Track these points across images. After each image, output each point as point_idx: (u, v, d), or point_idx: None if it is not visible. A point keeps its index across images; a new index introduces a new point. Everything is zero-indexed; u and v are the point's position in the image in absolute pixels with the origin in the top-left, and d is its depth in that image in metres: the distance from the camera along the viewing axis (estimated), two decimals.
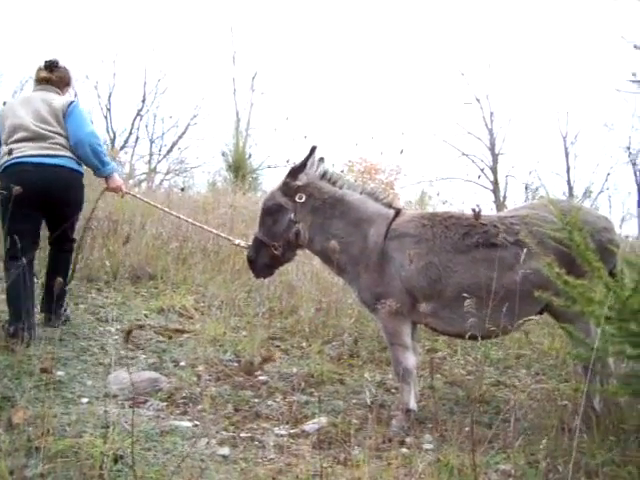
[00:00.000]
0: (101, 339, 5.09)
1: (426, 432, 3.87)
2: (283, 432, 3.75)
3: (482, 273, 4.00)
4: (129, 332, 5.04)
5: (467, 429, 3.72)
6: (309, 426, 3.82)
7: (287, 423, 3.87)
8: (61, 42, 37.56)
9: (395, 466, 3.19)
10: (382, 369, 4.97)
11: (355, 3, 45.23)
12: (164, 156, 28.93)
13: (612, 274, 3.51)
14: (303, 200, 4.44)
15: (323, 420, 3.87)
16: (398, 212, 4.42)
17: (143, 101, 29.14)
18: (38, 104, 4.89)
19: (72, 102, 4.97)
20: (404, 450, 3.53)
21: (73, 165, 4.89)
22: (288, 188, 4.48)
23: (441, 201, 12.38)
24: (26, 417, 3.35)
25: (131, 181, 14.41)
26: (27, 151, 4.73)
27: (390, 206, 4.50)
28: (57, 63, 5.14)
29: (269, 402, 4.21)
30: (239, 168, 17.65)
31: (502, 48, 45.28)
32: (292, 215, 4.44)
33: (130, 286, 6.53)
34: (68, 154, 4.86)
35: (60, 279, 3.79)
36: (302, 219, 4.44)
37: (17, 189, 4.02)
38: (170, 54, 42.42)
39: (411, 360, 4.12)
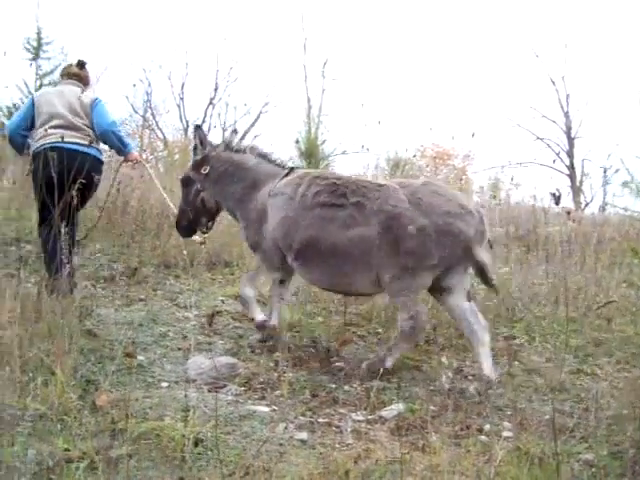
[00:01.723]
0: (179, 325, 5.20)
1: (504, 419, 3.82)
2: (360, 418, 3.75)
3: (322, 230, 4.63)
4: (212, 316, 5.14)
5: (547, 417, 3.67)
6: (386, 412, 3.81)
7: (364, 409, 3.87)
8: (135, 32, 38.24)
9: (474, 453, 3.17)
10: (459, 356, 4.92)
11: None
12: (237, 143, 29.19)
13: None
14: (207, 171, 5.31)
15: (400, 406, 3.86)
16: (289, 173, 5.07)
17: (215, 90, 29.45)
18: (71, 98, 5.62)
19: (96, 99, 5.75)
20: (482, 437, 3.50)
21: (98, 155, 5.69)
22: (195, 163, 5.42)
23: (514, 186, 12.15)
24: (109, 400, 3.45)
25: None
26: (63, 139, 5.38)
27: (283, 167, 5.24)
28: (86, 64, 6.01)
29: (346, 388, 4.22)
30: (311, 155, 17.68)
31: (579, 27, 44.08)
32: (198, 185, 5.35)
33: (206, 273, 6.64)
34: (95, 145, 5.64)
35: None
36: (206, 187, 5.33)
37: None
38: (241, 43, 42.69)
39: (251, 293, 4.98)
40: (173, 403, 3.61)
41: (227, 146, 5.39)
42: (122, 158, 6.15)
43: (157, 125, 27.28)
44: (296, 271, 4.88)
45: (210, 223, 5.56)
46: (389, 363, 4.42)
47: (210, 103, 29.54)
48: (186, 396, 3.43)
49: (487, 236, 4.57)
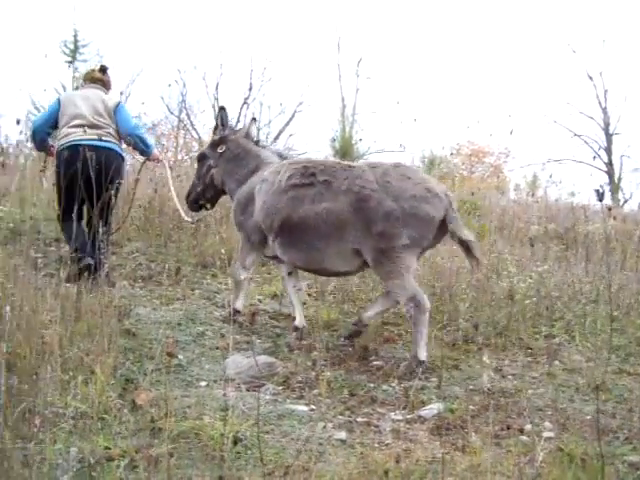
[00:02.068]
0: (217, 324, 5.22)
1: (545, 420, 3.76)
2: (399, 417, 3.73)
3: (293, 209, 4.91)
4: (253, 315, 5.13)
5: (589, 418, 3.61)
6: (425, 412, 3.78)
7: (403, 408, 3.84)
8: (169, 33, 38.54)
9: (515, 454, 3.12)
10: (498, 355, 4.87)
11: None
12: (271, 143, 29.21)
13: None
14: (222, 150, 5.71)
15: (440, 406, 3.82)
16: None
17: (250, 89, 29.44)
18: (95, 102, 5.93)
19: (119, 102, 6.11)
20: (523, 438, 3.44)
21: (119, 150, 5.97)
22: (213, 141, 5.88)
23: (553, 183, 12.02)
24: (149, 399, 3.46)
25: None
26: (84, 135, 5.68)
27: (281, 156, 5.70)
28: (107, 69, 6.32)
29: (384, 387, 4.20)
30: (346, 153, 17.68)
31: (617, 22, 43.43)
32: (211, 162, 5.78)
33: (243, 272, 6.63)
34: (115, 141, 5.92)
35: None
36: (218, 165, 5.73)
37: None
38: (275, 42, 42.76)
39: (244, 275, 5.33)
40: (212, 402, 3.62)
41: (247, 134, 5.83)
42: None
43: (192, 125, 27.37)
44: (277, 252, 5.14)
45: (213, 200, 5.99)
46: (423, 355, 4.46)
47: (244, 103, 29.54)
48: (225, 395, 3.43)
49: (459, 217, 4.76)
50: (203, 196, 5.87)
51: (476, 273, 5.16)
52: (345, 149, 18.30)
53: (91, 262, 5.21)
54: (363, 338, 4.92)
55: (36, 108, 15.46)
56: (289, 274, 5.37)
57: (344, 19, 37.59)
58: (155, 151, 6.57)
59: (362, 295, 5.86)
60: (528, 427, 3.58)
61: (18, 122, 7.23)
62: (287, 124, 29.38)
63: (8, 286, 3.91)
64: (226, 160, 5.69)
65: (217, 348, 4.68)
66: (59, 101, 5.96)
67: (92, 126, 5.75)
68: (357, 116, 24.07)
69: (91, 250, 5.33)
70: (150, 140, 6.43)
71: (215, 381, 4.09)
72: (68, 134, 5.73)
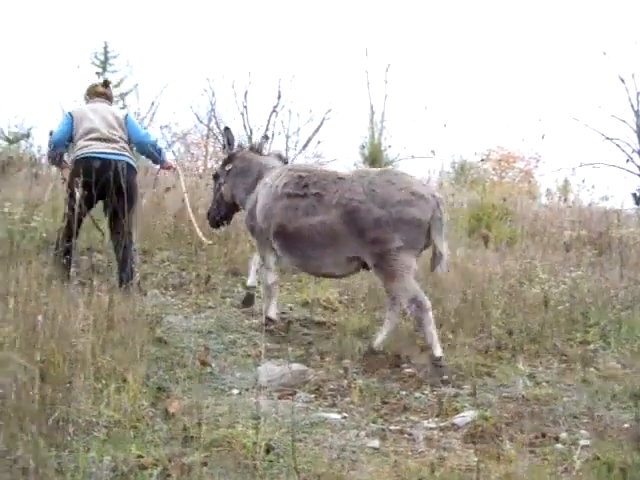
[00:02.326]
0: (248, 332, 5.22)
1: (581, 428, 3.70)
2: (432, 425, 3.69)
3: (286, 217, 5.17)
4: (289, 323, 5.17)
5: (626, 426, 3.55)
6: (459, 419, 3.74)
7: (436, 416, 3.81)
8: (197, 43, 38.78)
9: (550, 463, 3.08)
10: (532, 362, 4.81)
11: None
12: (300, 151, 29.18)
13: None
14: (230, 167, 5.99)
15: (473, 413, 3.77)
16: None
17: (278, 97, 29.45)
18: (106, 114, 6.06)
19: (127, 113, 6.37)
20: (559, 446, 3.39)
21: (133, 163, 5.99)
22: (223, 160, 6.26)
23: (585, 188, 11.87)
24: (181, 407, 3.46)
25: None
26: (99, 148, 5.81)
27: (281, 159, 6.03)
28: (110, 83, 6.69)
29: (417, 394, 4.17)
30: (375, 160, 17.62)
31: None
32: (222, 179, 6.06)
33: None
34: (129, 154, 6.01)
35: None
36: (227, 181, 6.01)
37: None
38: (303, 50, 42.83)
39: (271, 278, 5.48)
40: (244, 410, 3.60)
41: (252, 148, 6.16)
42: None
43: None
44: (278, 253, 5.40)
45: (228, 216, 6.22)
46: (438, 351, 4.57)
47: (273, 111, 29.57)
48: (257, 403, 3.42)
49: (444, 221, 4.86)
50: (219, 213, 6.15)
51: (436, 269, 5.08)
52: (374, 156, 18.22)
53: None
54: (395, 346, 4.89)
55: None
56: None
57: (372, 26, 37.44)
58: (168, 159, 6.78)
59: None
60: (564, 435, 3.53)
61: (51, 134, 7.17)
62: (316, 131, 29.36)
63: (41, 295, 3.93)
64: (234, 175, 5.97)
65: (249, 356, 4.68)
66: (71, 115, 6.08)
67: (108, 140, 5.90)
68: (386, 123, 23.97)
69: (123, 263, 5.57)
70: (161, 147, 6.57)
71: (247, 389, 4.08)
72: (86, 146, 5.85)
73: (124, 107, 16.98)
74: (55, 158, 6.35)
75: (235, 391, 4.07)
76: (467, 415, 3.76)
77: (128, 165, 5.83)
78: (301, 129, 29.34)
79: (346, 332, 5.06)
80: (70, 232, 5.19)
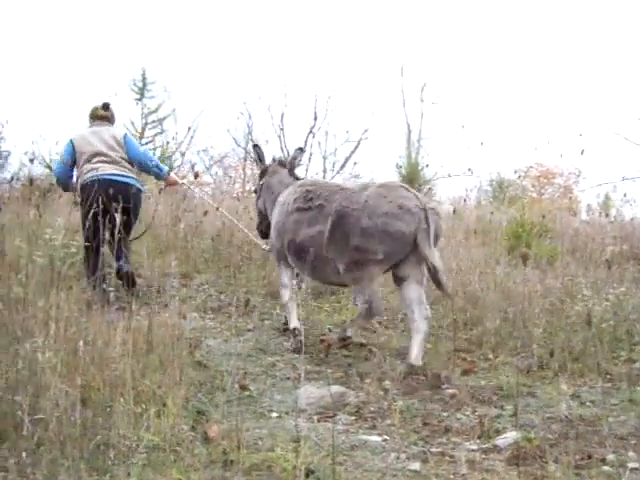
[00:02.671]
0: (288, 354, 5.21)
1: (629, 449, 3.60)
2: (474, 447, 3.63)
3: (296, 231, 5.50)
4: (329, 345, 5.14)
5: None
6: (501, 441, 3.67)
7: (478, 437, 3.74)
8: (233, 66, 39.18)
9: None
10: (576, 381, 4.71)
11: (523, 2, 43.89)
12: (338, 172, 29.22)
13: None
14: (262, 182, 6.37)
15: (516, 434, 3.70)
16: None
17: (315, 119, 29.53)
18: (106, 137, 6.38)
19: (125, 134, 6.68)
20: (606, 468, 3.31)
21: (138, 184, 6.40)
22: (259, 175, 6.69)
23: (627, 202, 11.67)
24: (221, 431, 3.46)
25: None
26: (107, 170, 6.18)
27: (293, 176, 6.25)
28: (109, 105, 6.71)
29: (458, 416, 4.11)
30: (413, 179, 17.58)
31: None
32: (259, 194, 6.43)
33: (313, 301, 6.64)
34: (134, 175, 6.43)
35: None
36: (261, 195, 6.38)
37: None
38: (339, 70, 43.01)
39: (286, 295, 5.74)
40: (284, 433, 3.60)
41: (280, 162, 6.44)
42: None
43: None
44: (295, 268, 5.78)
45: (269, 228, 6.20)
46: (349, 332, 5.20)
47: (310, 132, 29.70)
48: (296, 426, 3.40)
49: (432, 232, 4.99)
50: (261, 225, 6.47)
51: (446, 296, 5.44)
52: (412, 175, 18.19)
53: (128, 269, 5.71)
54: (435, 366, 4.85)
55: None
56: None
57: (407, 45, 37.50)
58: (171, 174, 7.06)
59: (434, 322, 5.78)
60: (611, 457, 3.44)
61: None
62: (353, 152, 29.40)
63: (81, 320, 3.97)
64: (265, 189, 6.32)
65: (288, 379, 4.68)
66: (72, 143, 6.40)
67: (113, 162, 6.26)
68: (423, 141, 23.93)
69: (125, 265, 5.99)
70: (161, 164, 6.91)
71: (287, 412, 4.07)
72: (93, 169, 6.20)
73: (162, 132, 17.24)
74: (64, 185, 6.76)
75: (275, 414, 4.06)
76: (510, 436, 3.69)
77: (134, 187, 6.23)
78: (338, 150, 29.43)
79: (386, 353, 5.02)
80: (95, 256, 5.69)
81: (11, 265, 4.98)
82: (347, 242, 5.06)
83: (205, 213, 8.19)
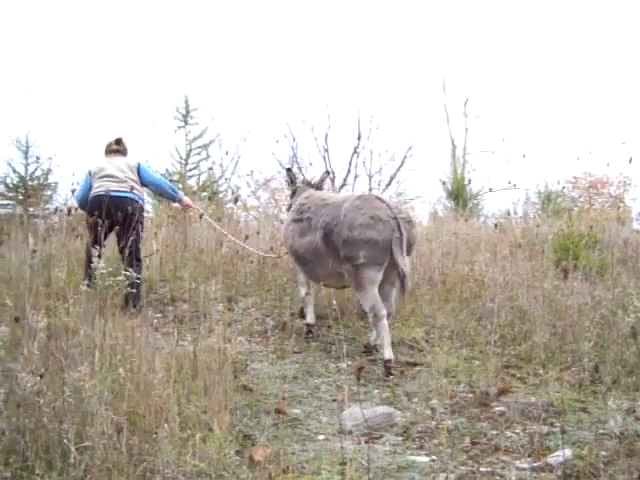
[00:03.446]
0: (334, 375, 5.18)
1: None
2: (525, 465, 3.55)
3: (293, 239, 6.31)
4: (360, 369, 5.06)
5: None
6: (553, 459, 3.58)
7: (529, 456, 3.66)
8: (278, 89, 39.52)
9: None
10: (629, 395, 4.58)
11: (563, 18, 43.51)
12: (383, 190, 29.18)
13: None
14: (292, 202, 6.91)
15: (568, 452, 3.61)
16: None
17: (359, 138, 29.62)
18: (119, 164, 7.06)
19: (139, 162, 7.20)
20: None
21: (137, 199, 6.92)
22: (290, 197, 7.40)
23: None
24: (266, 455, 3.43)
25: None
26: (110, 187, 6.79)
27: (310, 185, 7.09)
28: (122, 140, 7.40)
29: (508, 434, 4.02)
30: (459, 195, 17.47)
31: None
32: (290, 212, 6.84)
33: (359, 321, 6.61)
34: (137, 192, 6.94)
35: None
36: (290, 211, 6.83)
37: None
38: (381, 89, 43.08)
39: (304, 291, 6.58)
40: (330, 456, 3.56)
41: (309, 184, 7.12)
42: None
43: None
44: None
45: None
46: (387, 354, 5.33)
47: (354, 152, 29.76)
48: (342, 448, 3.37)
49: (404, 240, 5.48)
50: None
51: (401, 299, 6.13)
52: (458, 190, 18.09)
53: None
54: (484, 383, 4.76)
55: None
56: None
57: (448, 61, 37.39)
58: (185, 197, 7.56)
59: (480, 339, 5.70)
60: None
61: (73, 192, 8.06)
62: (398, 170, 29.34)
63: (126, 347, 4.00)
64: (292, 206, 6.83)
65: (334, 400, 4.63)
66: (89, 173, 7.09)
67: (116, 180, 6.88)
68: (468, 156, 23.79)
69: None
70: (177, 188, 7.64)
71: (333, 434, 4.03)
72: (100, 185, 6.85)
73: (207, 158, 17.43)
74: (83, 208, 7.22)
75: (321, 437, 4.03)
76: (561, 454, 3.59)
77: (135, 201, 6.81)
78: (383, 168, 29.40)
79: (433, 372, 4.96)
80: (89, 258, 5.93)
81: (58, 294, 5.06)
82: (338, 254, 5.68)
83: (246, 237, 8.23)
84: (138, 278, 5.84)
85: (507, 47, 43.41)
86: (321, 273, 6.08)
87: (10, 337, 4.37)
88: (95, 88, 38.88)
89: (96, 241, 6.00)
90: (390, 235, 5.44)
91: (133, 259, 6.41)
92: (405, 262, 5.47)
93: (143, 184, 7.14)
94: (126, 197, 6.77)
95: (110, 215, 6.28)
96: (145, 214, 7.54)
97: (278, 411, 3.58)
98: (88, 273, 5.92)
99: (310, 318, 6.44)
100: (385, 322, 5.41)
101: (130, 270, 5.60)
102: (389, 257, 5.49)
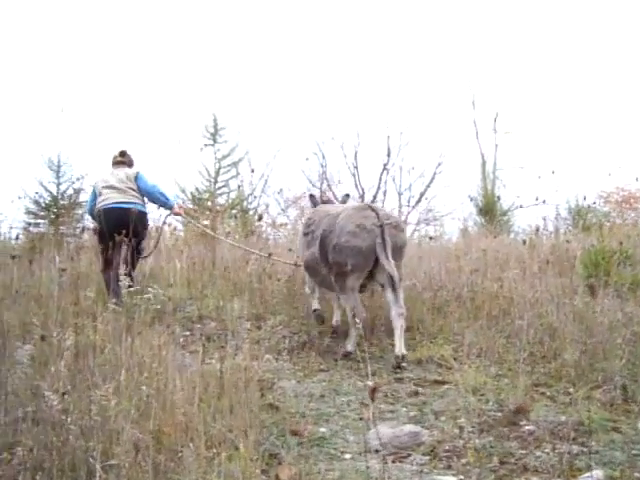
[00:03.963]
0: (361, 394, 5.14)
1: None
2: None
3: (304, 252, 6.91)
4: (374, 390, 5.03)
5: None
6: None
7: (558, 476, 3.59)
8: (305, 108, 39.71)
9: None
10: None
11: (594, 34, 43.22)
12: (413, 207, 29.10)
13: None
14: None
15: (599, 473, 3.54)
16: None
17: (388, 155, 29.56)
18: (120, 175, 7.67)
19: (138, 172, 7.73)
20: None
21: (140, 207, 7.53)
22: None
23: None
24: (292, 474, 3.43)
25: None
26: (114, 199, 7.47)
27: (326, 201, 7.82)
28: (126, 152, 8.01)
29: (537, 453, 3.95)
30: (489, 211, 17.38)
31: None
32: None
33: (387, 339, 6.57)
34: (138, 201, 7.57)
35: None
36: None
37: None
38: (410, 106, 43.07)
39: (307, 290, 7.33)
40: (356, 475, 3.54)
41: (325, 201, 7.77)
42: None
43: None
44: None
45: None
46: (349, 347, 6.22)
47: (384, 169, 29.73)
48: (368, 468, 3.34)
49: (388, 245, 5.94)
50: None
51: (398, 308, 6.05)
52: (488, 207, 18.02)
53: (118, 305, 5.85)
54: (512, 402, 4.70)
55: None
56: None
57: (477, 76, 37.34)
58: (176, 205, 8.06)
59: (509, 356, 5.63)
60: None
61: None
62: (428, 186, 29.23)
63: (153, 365, 4.01)
64: None
65: (361, 419, 4.59)
66: (94, 188, 7.84)
67: (118, 191, 7.52)
68: (498, 172, 23.67)
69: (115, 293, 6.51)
70: (168, 194, 7.95)
71: (360, 453, 3.99)
72: (105, 197, 7.50)
73: (236, 175, 17.49)
74: (93, 218, 7.90)
75: (347, 455, 4.00)
76: (592, 475, 3.53)
77: (138, 210, 7.34)
78: (413, 185, 29.31)
79: (461, 390, 4.91)
80: (107, 263, 7.15)
81: (87, 312, 5.10)
82: (327, 258, 6.27)
83: (269, 255, 8.26)
84: (131, 276, 6.34)
85: (537, 62, 43.22)
86: (328, 281, 6.46)
87: (38, 355, 4.41)
88: (124, 108, 39.29)
89: (106, 251, 6.92)
90: (373, 242, 5.95)
91: (134, 260, 7.13)
92: (391, 265, 5.88)
93: (140, 192, 7.65)
94: (129, 207, 7.27)
95: (117, 225, 6.88)
96: (148, 221, 8.07)
97: (295, 432, 3.56)
98: (113, 290, 6.56)
99: (316, 305, 7.18)
100: (361, 325, 5.59)
101: (129, 269, 6.49)
102: (373, 263, 6.03)
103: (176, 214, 8.32)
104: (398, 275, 5.98)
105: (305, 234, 6.87)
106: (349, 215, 6.22)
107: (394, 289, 5.95)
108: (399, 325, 5.94)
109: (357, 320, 5.69)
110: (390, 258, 5.91)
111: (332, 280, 6.30)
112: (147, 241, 8.10)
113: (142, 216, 7.56)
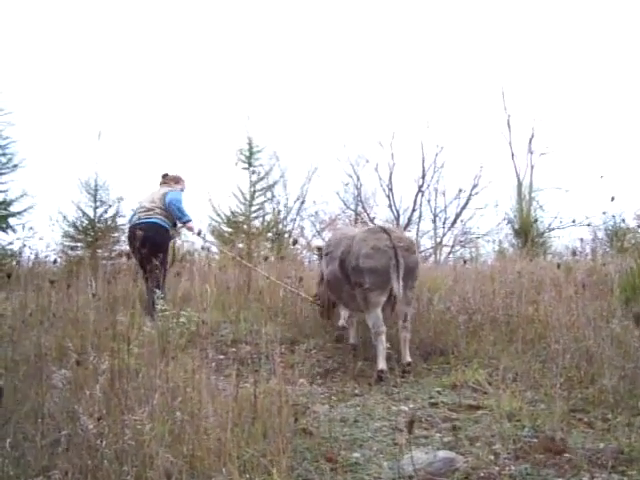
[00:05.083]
0: (395, 419, 5.10)
1: None
2: None
3: (326, 270, 7.32)
4: (411, 423, 4.99)
5: None
6: None
7: None
8: (339, 131, 39.86)
9: None
10: None
11: (629, 50, 42.83)
12: (448, 229, 29.05)
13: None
14: None
15: None
16: None
17: (423, 177, 29.63)
18: (155, 195, 8.45)
19: (167, 191, 8.44)
20: None
21: (163, 224, 8.27)
22: None
23: None
24: None
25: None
26: (139, 217, 8.31)
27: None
28: (167, 174, 8.88)
29: None
30: (526, 233, 17.25)
31: None
32: None
33: (422, 363, 6.53)
34: (161, 217, 8.27)
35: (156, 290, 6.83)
36: None
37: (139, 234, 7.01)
38: (445, 127, 43.03)
39: (340, 322, 7.72)
40: None
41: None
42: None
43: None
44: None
45: None
46: (380, 365, 6.25)
47: (419, 191, 29.75)
48: None
49: (401, 266, 6.36)
50: None
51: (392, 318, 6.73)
52: (525, 228, 17.88)
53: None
54: (549, 428, 4.63)
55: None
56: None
57: (512, 97, 37.17)
58: (191, 222, 8.56)
59: (546, 381, 5.55)
60: None
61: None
62: (463, 208, 29.16)
63: (187, 390, 4.03)
64: None
65: (395, 444, 4.56)
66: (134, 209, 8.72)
67: (147, 210, 8.28)
68: (534, 193, 23.52)
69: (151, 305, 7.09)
70: (186, 212, 8.46)
71: (393, 479, 3.96)
72: (135, 218, 8.38)
73: (272, 198, 17.57)
74: None
75: None
76: None
77: (158, 225, 8.17)
78: (448, 207, 29.24)
79: (496, 415, 4.85)
80: (144, 282, 7.67)
81: (123, 336, 5.14)
82: (349, 280, 6.65)
83: (300, 279, 8.28)
84: (159, 289, 6.97)
85: (572, 83, 42.96)
86: (345, 297, 6.96)
87: (74, 379, 4.45)
88: (160, 132, 39.84)
89: (142, 265, 7.44)
90: (388, 263, 6.34)
91: (160, 276, 7.25)
92: (398, 285, 6.30)
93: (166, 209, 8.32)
94: (151, 223, 8.12)
95: (137, 239, 7.12)
96: (170, 236, 8.58)
97: (329, 458, 3.54)
98: (146, 308, 7.01)
99: (352, 338, 7.40)
100: (383, 338, 6.30)
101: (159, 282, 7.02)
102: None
103: (188, 228, 8.69)
104: (402, 295, 6.39)
105: (326, 254, 7.35)
106: (363, 238, 6.65)
107: (393, 308, 6.48)
108: (402, 337, 6.54)
109: (378, 336, 6.26)
110: (401, 279, 6.34)
111: (356, 297, 6.62)
112: (169, 256, 8.53)
113: (159, 229, 8.21)
